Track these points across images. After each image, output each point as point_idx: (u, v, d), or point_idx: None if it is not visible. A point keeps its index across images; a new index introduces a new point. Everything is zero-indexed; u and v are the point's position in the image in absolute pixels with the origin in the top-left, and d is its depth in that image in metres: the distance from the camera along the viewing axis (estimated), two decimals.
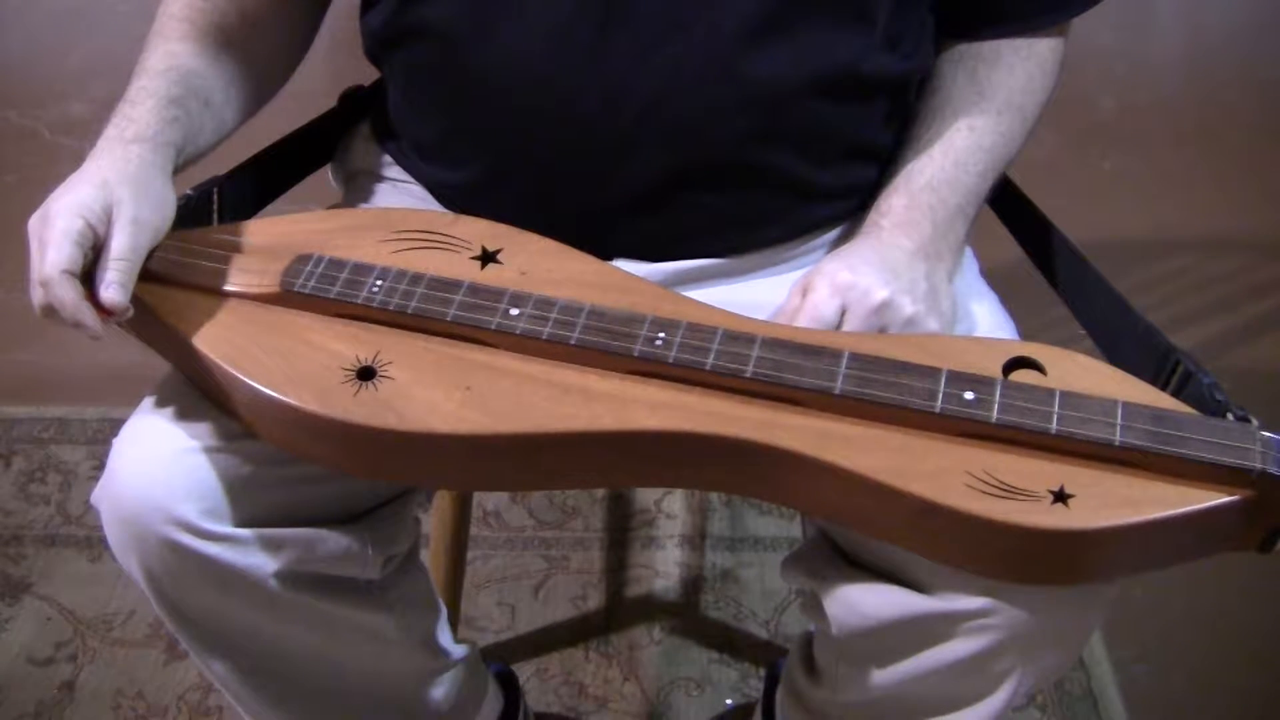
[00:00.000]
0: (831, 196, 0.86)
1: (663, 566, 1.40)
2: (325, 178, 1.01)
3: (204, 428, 0.75)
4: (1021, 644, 0.74)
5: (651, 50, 0.77)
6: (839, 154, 0.85)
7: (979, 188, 0.83)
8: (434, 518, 1.17)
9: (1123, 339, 0.78)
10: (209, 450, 0.74)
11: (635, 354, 0.68)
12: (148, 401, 0.78)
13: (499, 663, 1.20)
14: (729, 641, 1.32)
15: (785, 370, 0.67)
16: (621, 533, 1.44)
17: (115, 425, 1.59)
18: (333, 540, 0.79)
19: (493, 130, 0.83)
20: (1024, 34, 0.86)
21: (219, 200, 0.86)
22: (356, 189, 0.95)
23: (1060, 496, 0.61)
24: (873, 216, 0.83)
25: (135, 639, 1.31)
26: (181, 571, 0.75)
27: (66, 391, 1.63)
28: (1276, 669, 1.29)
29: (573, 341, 0.69)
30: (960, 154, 0.83)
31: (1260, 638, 1.31)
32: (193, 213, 0.82)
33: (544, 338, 0.69)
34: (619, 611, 1.35)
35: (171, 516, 0.73)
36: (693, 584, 1.38)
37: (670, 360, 0.68)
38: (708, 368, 0.67)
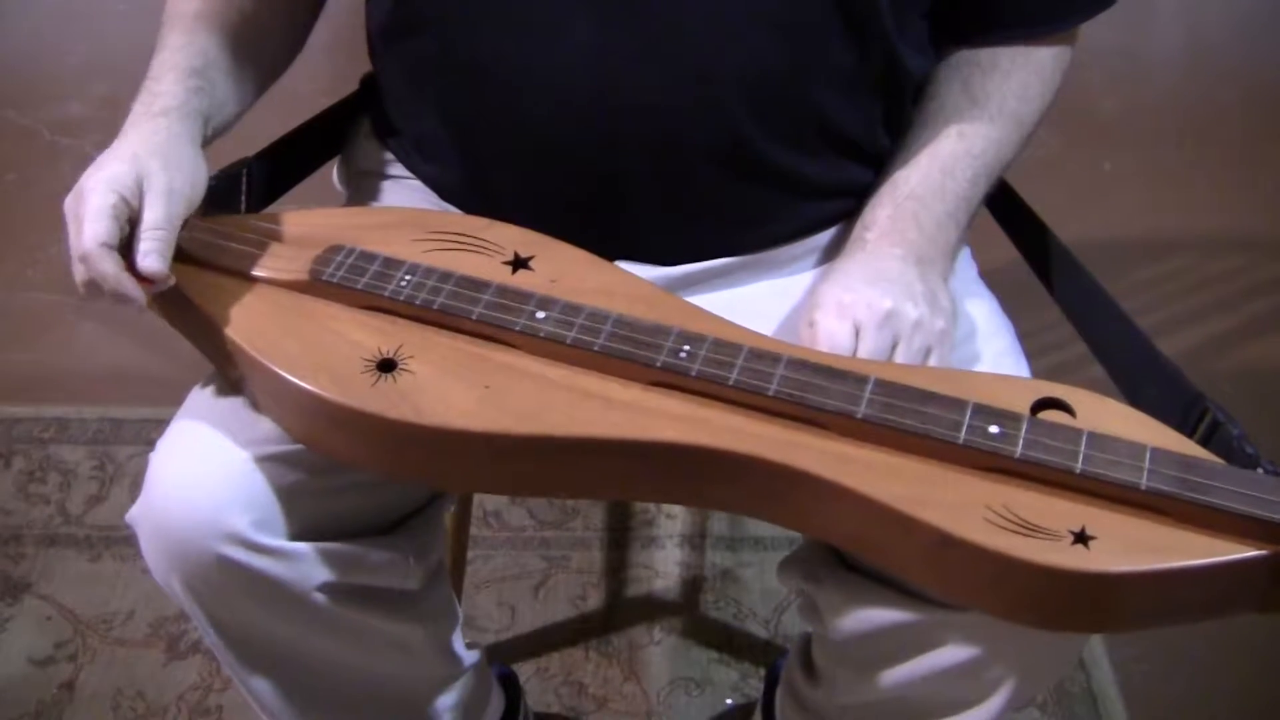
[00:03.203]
0: (828, 194, 0.86)
1: (663, 566, 1.40)
2: (328, 180, 1.01)
3: (245, 437, 0.74)
4: (1014, 651, 0.74)
5: (650, 45, 0.77)
6: (835, 150, 0.84)
7: (969, 194, 0.83)
8: None
9: (1146, 381, 0.76)
10: (254, 460, 0.73)
11: (659, 365, 0.68)
12: (182, 412, 0.77)
13: (499, 663, 1.20)
14: (729, 641, 1.32)
15: (809, 391, 0.66)
16: (622, 532, 1.44)
17: (115, 425, 1.60)
18: (376, 552, 0.79)
19: (490, 127, 0.83)
20: (1023, 41, 0.85)
21: (247, 184, 0.86)
22: (360, 189, 0.95)
23: (1081, 537, 0.59)
24: (857, 230, 0.82)
25: (135, 639, 1.31)
26: (226, 587, 0.75)
27: (66, 391, 1.63)
28: (1276, 669, 1.29)
29: (596, 348, 0.69)
30: (947, 161, 0.82)
31: (1260, 638, 1.31)
32: (223, 193, 0.82)
33: (568, 342, 0.69)
34: (619, 611, 1.35)
35: (222, 530, 0.72)
36: (693, 584, 1.38)
37: (693, 373, 0.67)
38: (730, 383, 0.67)
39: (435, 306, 0.71)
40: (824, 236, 0.89)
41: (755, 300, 0.85)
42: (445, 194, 0.90)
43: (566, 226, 0.79)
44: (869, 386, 0.66)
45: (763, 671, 1.26)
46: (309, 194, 0.97)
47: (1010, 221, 0.94)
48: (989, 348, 0.82)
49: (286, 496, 0.74)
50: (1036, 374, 0.75)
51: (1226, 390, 1.64)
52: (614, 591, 1.37)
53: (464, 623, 1.29)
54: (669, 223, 0.84)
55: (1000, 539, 0.59)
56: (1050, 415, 0.66)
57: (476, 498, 1.38)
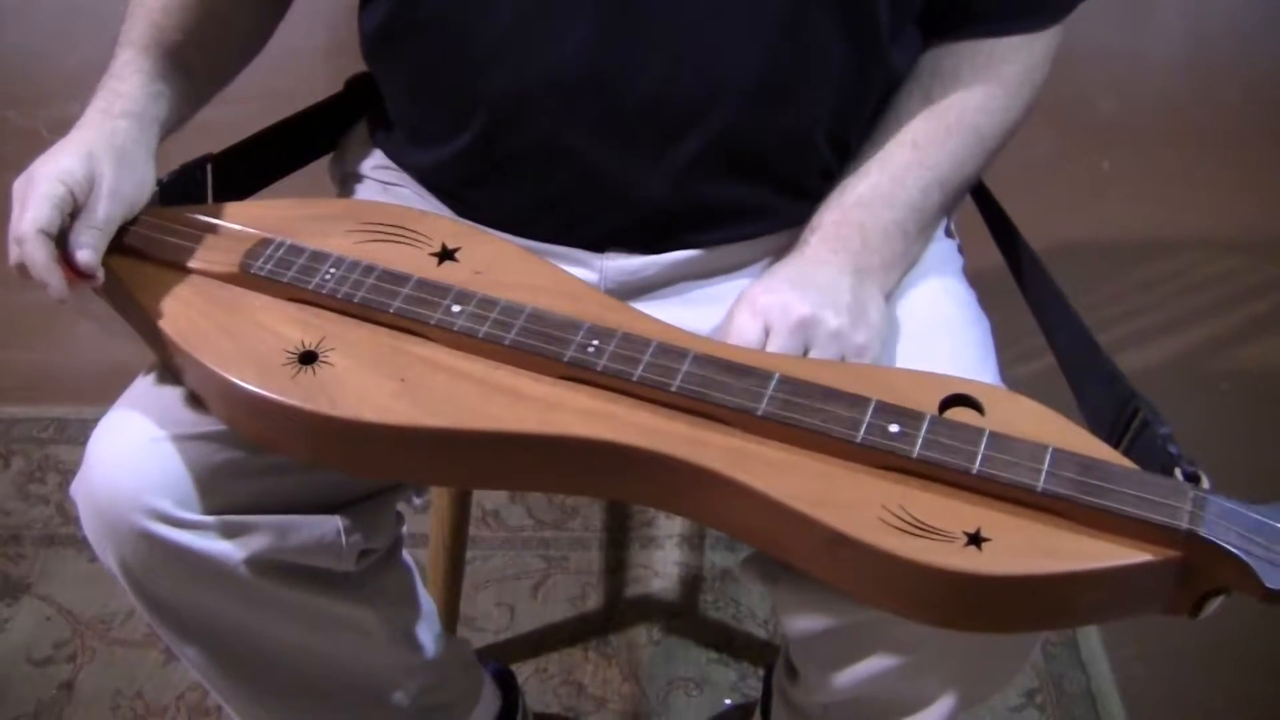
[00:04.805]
0: (820, 194, 0.86)
1: (662, 566, 1.40)
2: (324, 177, 1.01)
3: (179, 417, 0.75)
4: (950, 653, 0.75)
5: (649, 44, 0.77)
6: (829, 150, 0.84)
7: (920, 204, 0.82)
8: (433, 517, 1.17)
9: (1090, 378, 0.76)
10: (183, 439, 0.75)
11: (565, 359, 0.68)
12: (124, 395, 0.79)
13: (497, 662, 1.20)
14: (728, 641, 1.32)
15: (712, 387, 0.66)
16: (620, 532, 1.44)
17: None
18: (305, 530, 0.79)
19: (488, 122, 0.83)
20: (988, 36, 0.84)
21: (213, 178, 0.87)
22: (349, 191, 0.95)
23: (975, 539, 0.59)
24: (804, 233, 0.82)
25: (134, 639, 1.31)
26: (154, 560, 0.76)
27: (66, 391, 1.63)
28: (1276, 669, 1.29)
29: (507, 342, 0.69)
30: (899, 170, 0.82)
31: (1260, 637, 1.31)
32: (186, 188, 0.84)
33: (480, 336, 0.70)
34: (618, 611, 1.35)
35: (145, 506, 0.73)
36: (692, 584, 1.38)
37: (599, 368, 0.68)
38: (635, 379, 0.67)
39: (356, 300, 0.72)
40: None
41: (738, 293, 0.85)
42: (436, 187, 0.90)
43: (561, 217, 0.79)
44: (772, 384, 0.66)
45: (762, 672, 1.26)
46: (305, 188, 0.97)
47: (990, 225, 0.94)
48: (955, 340, 0.82)
49: (213, 475, 0.75)
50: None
51: (1225, 390, 1.64)
52: (613, 592, 1.37)
53: (463, 622, 1.30)
54: (663, 216, 0.84)
55: (891, 539, 0.59)
56: (959, 414, 0.65)
57: (475, 498, 1.38)
